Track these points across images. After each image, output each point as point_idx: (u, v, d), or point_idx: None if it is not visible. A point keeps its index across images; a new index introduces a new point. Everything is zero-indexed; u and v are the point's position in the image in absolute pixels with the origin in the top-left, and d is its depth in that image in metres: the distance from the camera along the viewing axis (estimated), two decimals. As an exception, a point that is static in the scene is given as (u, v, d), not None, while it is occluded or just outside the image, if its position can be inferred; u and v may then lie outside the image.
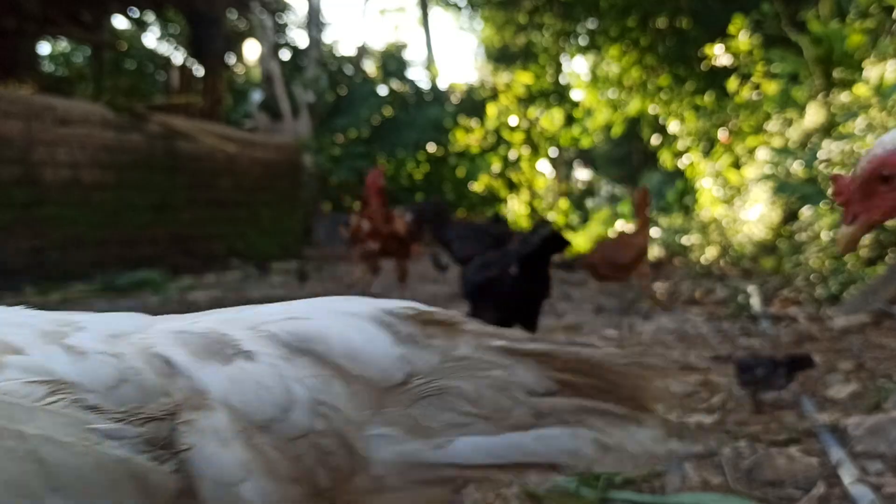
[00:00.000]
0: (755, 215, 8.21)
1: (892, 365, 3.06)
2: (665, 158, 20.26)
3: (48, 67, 12.80)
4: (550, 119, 22.09)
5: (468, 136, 15.76)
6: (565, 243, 3.18)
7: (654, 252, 14.56)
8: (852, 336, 3.70)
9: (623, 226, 5.81)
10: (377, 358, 0.82)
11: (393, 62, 14.57)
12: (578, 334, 4.20)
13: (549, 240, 3.10)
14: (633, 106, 20.15)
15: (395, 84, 14.51)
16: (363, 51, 16.20)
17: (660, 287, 6.14)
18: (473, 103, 14.92)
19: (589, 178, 35.80)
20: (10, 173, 5.66)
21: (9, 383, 0.71)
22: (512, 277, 3.06)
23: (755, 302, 5.02)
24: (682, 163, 17.31)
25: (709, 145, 11.36)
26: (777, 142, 8.02)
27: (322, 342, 0.84)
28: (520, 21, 22.31)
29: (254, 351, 0.81)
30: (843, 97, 7.23)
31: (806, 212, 6.34)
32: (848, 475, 1.88)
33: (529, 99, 20.77)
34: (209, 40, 10.18)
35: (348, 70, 14.61)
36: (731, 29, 9.07)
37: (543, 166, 27.26)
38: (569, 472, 1.86)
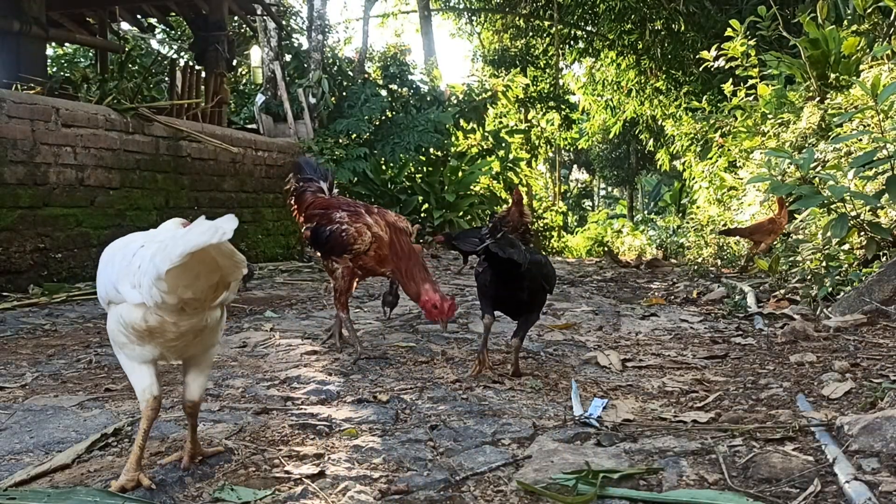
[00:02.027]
0: (750, 216, 8.26)
1: (887, 364, 3.09)
2: (662, 160, 20.36)
3: (53, 69, 12.83)
4: (549, 121, 22.17)
5: (468, 138, 15.82)
6: (505, 261, 3.01)
7: (651, 251, 14.68)
8: (847, 335, 3.74)
9: (769, 212, 7.39)
10: None
11: (394, 65, 14.62)
12: (576, 333, 4.24)
13: (490, 253, 3.08)
14: (630, 108, 20.24)
15: (396, 87, 14.57)
16: (364, 54, 16.26)
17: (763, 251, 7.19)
18: (473, 106, 14.97)
19: (586, 179, 35.87)
20: (14, 174, 5.68)
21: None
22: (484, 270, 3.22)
23: (750, 301, 5.07)
24: (679, 164, 17.38)
25: (704, 147, 11.42)
26: (772, 143, 8.07)
27: None
28: (518, 25, 22.38)
29: None
30: (839, 99, 7.28)
31: (801, 212, 6.40)
32: (843, 473, 1.90)
33: (528, 101, 20.85)
34: (213, 43, 10.21)
35: (350, 73, 14.65)
36: (728, 31, 9.12)
37: (542, 168, 27.37)
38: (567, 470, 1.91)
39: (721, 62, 9.50)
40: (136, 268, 1.75)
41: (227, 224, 1.56)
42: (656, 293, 6.28)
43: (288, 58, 14.11)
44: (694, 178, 12.57)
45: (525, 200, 7.71)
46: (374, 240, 3.38)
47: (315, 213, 3.59)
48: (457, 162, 14.82)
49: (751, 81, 9.32)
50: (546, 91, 21.81)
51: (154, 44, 19.06)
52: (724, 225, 9.34)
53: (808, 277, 5.19)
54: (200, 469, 2.02)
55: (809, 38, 8.40)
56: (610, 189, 36.64)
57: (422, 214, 13.43)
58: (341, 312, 3.59)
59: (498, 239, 3.29)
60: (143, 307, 1.75)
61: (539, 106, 21.39)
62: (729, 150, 9.84)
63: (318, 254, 3.64)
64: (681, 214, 17.38)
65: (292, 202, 3.79)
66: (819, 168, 5.84)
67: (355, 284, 3.63)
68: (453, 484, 1.96)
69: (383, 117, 13.63)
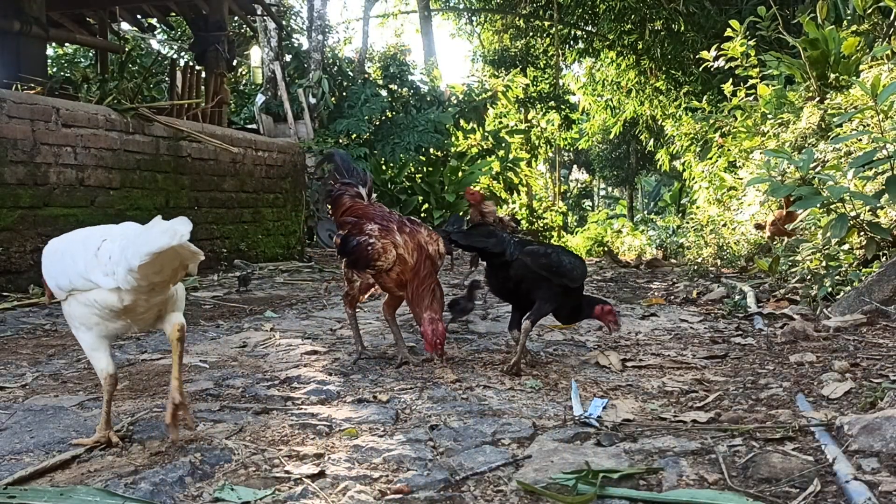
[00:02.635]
0: (749, 216, 8.25)
1: (887, 364, 3.09)
2: (662, 160, 20.37)
3: (53, 69, 12.84)
4: (549, 121, 22.18)
5: (468, 138, 15.81)
6: (477, 249, 3.41)
7: (651, 251, 14.68)
8: (847, 335, 3.74)
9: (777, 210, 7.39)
10: None
11: (394, 65, 14.62)
12: (576, 333, 4.25)
13: (452, 241, 3.38)
14: (630, 108, 20.25)
15: (396, 87, 14.58)
16: (364, 54, 16.26)
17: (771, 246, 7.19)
18: (473, 106, 14.98)
19: (586, 179, 35.88)
20: (15, 174, 5.68)
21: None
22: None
23: (750, 301, 5.07)
24: (679, 164, 17.39)
25: (704, 147, 11.42)
26: (772, 143, 8.07)
27: None
28: (518, 25, 22.39)
29: None
30: (839, 99, 7.28)
31: (801, 213, 6.39)
32: (843, 473, 1.90)
33: (528, 101, 20.85)
34: (213, 43, 10.22)
35: (350, 73, 14.66)
36: (728, 32, 9.13)
37: (542, 168, 27.35)
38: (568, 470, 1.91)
39: (721, 62, 9.50)
40: (108, 259, 2.07)
41: (183, 227, 1.91)
42: (656, 293, 6.28)
43: (288, 58, 14.11)
44: (694, 179, 12.57)
45: (499, 207, 7.32)
46: (398, 261, 3.25)
47: (348, 221, 3.45)
48: (457, 162, 14.82)
49: (751, 81, 9.32)
50: (546, 91, 21.83)
51: (154, 44, 19.09)
52: (725, 225, 9.34)
53: (808, 277, 5.19)
54: (200, 469, 2.02)
55: (809, 38, 8.40)
56: (610, 189, 36.65)
57: (422, 214, 13.44)
58: (348, 309, 3.56)
59: (467, 230, 3.42)
60: (118, 291, 2.07)
61: (539, 106, 21.41)
62: (729, 150, 9.84)
63: (343, 260, 3.51)
64: (681, 214, 17.38)
65: (328, 204, 3.68)
66: (819, 168, 5.84)
67: (366, 297, 3.60)
68: (453, 484, 1.96)
69: (383, 117, 13.63)
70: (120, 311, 2.13)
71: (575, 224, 26.53)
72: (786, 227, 7.03)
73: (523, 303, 3.37)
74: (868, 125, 5.55)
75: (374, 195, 3.66)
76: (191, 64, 10.61)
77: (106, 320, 2.16)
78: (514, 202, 19.01)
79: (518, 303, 3.40)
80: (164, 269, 2.03)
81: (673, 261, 10.93)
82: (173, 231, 1.90)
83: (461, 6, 24.59)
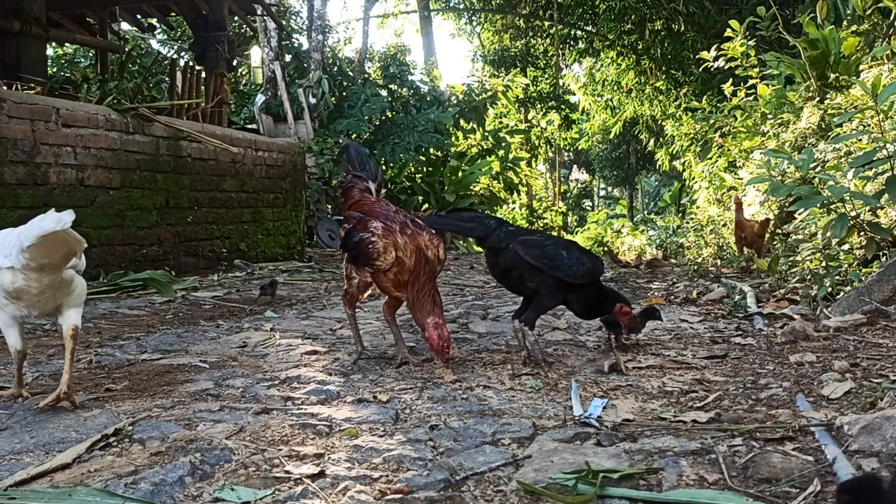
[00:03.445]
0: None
1: (887, 364, 3.09)
2: (662, 160, 20.36)
3: (53, 69, 12.84)
4: (549, 121, 22.18)
5: (468, 138, 15.82)
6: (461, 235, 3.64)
7: (651, 251, 14.68)
8: (847, 335, 3.74)
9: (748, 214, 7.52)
10: None
11: (394, 65, 14.63)
12: (576, 333, 4.25)
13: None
14: (630, 108, 20.24)
15: (396, 87, 14.59)
16: (364, 54, 16.27)
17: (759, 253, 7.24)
18: (473, 106, 14.98)
19: (586, 179, 35.88)
20: (15, 174, 5.68)
21: None
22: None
23: (750, 301, 5.06)
24: (679, 164, 17.39)
25: (704, 147, 11.42)
26: (772, 143, 8.07)
27: None
28: (518, 25, 22.39)
29: None
30: (839, 99, 7.29)
31: (801, 213, 6.39)
32: (843, 473, 1.90)
33: (528, 101, 20.86)
34: (213, 43, 10.22)
35: (350, 73, 14.67)
36: (728, 32, 9.13)
37: (542, 168, 27.36)
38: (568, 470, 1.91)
39: (721, 62, 9.50)
40: (8, 244, 2.42)
41: (67, 217, 2.27)
42: (656, 293, 6.28)
43: (288, 58, 14.11)
44: (694, 179, 12.57)
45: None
46: (396, 262, 3.24)
47: (354, 216, 3.44)
48: (457, 162, 14.83)
49: (751, 81, 9.32)
50: (546, 91, 21.84)
51: (154, 44, 19.10)
52: (725, 225, 9.34)
53: (808, 277, 5.19)
54: (200, 469, 2.02)
55: (809, 38, 8.40)
56: (610, 189, 36.64)
57: (422, 214, 13.45)
58: (348, 309, 3.56)
59: (446, 213, 3.51)
60: (13, 270, 2.41)
61: (539, 106, 21.42)
62: (729, 150, 9.84)
63: (345, 254, 3.49)
64: (681, 214, 17.39)
65: (339, 193, 3.71)
66: (819, 168, 5.83)
67: (365, 296, 3.59)
68: (453, 484, 1.96)
69: (383, 117, 13.64)
70: (12, 291, 2.46)
71: (575, 224, 26.55)
72: (742, 235, 7.13)
73: (526, 293, 3.39)
74: (868, 125, 5.55)
75: (383, 191, 3.66)
76: (191, 64, 10.61)
77: (6, 301, 2.50)
78: (514, 202, 19.04)
79: (522, 292, 3.43)
80: (52, 252, 2.38)
81: (673, 261, 10.93)
82: (59, 219, 2.25)
83: (461, 6, 24.59)
